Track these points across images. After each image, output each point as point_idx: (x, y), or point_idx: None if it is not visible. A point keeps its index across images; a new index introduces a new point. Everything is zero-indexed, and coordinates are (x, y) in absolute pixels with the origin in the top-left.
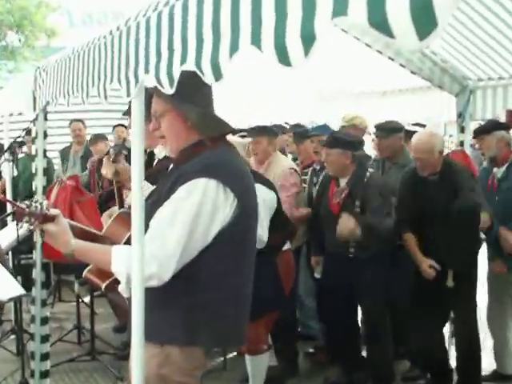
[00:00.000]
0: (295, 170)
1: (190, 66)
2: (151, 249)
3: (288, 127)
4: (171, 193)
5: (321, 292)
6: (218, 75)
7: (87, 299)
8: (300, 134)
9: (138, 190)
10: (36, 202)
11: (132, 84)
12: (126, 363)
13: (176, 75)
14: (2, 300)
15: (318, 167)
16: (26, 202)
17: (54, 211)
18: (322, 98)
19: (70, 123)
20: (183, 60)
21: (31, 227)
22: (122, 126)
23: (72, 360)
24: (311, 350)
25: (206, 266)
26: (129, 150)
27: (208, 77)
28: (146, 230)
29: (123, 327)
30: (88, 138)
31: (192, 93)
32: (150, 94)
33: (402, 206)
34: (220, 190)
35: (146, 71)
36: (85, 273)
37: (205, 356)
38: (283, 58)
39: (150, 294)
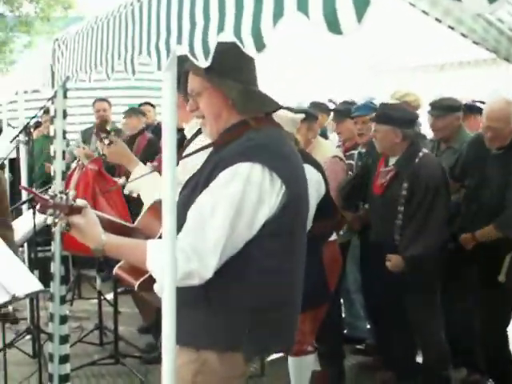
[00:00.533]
0: (340, 158)
1: (228, 35)
2: (190, 242)
3: (331, 105)
4: (210, 180)
5: (367, 287)
6: (260, 45)
7: (110, 296)
8: (341, 112)
9: (169, 175)
10: (61, 192)
11: (163, 56)
12: (153, 367)
13: (212, 46)
14: (18, 296)
15: (363, 150)
16: (50, 192)
17: (80, 202)
18: (373, 72)
19: (93, 102)
20: (220, 29)
21: (56, 220)
22: (149, 104)
23: (93, 363)
24: (359, 355)
25: (250, 262)
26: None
27: (249, 47)
28: (182, 223)
29: (149, 328)
30: (113, 118)
31: (232, 67)
32: (185, 72)
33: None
34: (266, 175)
35: (179, 42)
36: (115, 270)
37: (246, 363)
38: (333, 25)
39: (187, 293)
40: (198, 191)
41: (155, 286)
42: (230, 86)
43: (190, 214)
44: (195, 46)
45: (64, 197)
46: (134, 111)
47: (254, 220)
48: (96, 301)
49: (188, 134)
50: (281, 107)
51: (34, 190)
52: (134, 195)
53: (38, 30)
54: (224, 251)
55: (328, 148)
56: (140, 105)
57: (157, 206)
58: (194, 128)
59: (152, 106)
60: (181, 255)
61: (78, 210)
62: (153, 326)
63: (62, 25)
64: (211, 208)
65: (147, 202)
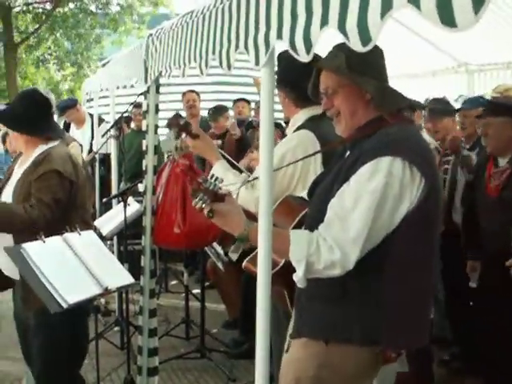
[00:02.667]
0: (436, 148)
1: (332, 29)
2: (332, 234)
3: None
4: (351, 174)
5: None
6: (366, 40)
7: (195, 291)
8: (439, 110)
9: (267, 168)
10: (212, 177)
11: (262, 51)
12: (238, 362)
13: (314, 40)
14: (110, 289)
15: (466, 146)
16: (203, 177)
17: (223, 191)
18: (469, 69)
19: (183, 94)
20: (324, 23)
21: (203, 205)
22: (244, 100)
23: (180, 357)
24: (446, 358)
25: (389, 255)
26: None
27: (354, 42)
28: (319, 216)
29: (234, 323)
30: (202, 113)
31: (370, 63)
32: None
33: None
34: (406, 169)
35: (279, 36)
36: (245, 263)
37: (378, 362)
38: (447, 17)
39: (322, 285)
40: (338, 184)
41: (294, 276)
42: (368, 83)
43: (331, 206)
44: (296, 41)
45: (215, 183)
46: (218, 113)
47: (395, 213)
48: (182, 295)
49: (292, 127)
50: (413, 103)
51: (122, 184)
52: None
53: (125, 27)
54: (365, 243)
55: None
56: (235, 101)
57: (288, 200)
58: (298, 122)
59: (247, 101)
60: (324, 246)
61: (222, 198)
62: (238, 321)
63: (150, 21)
64: (354, 201)
65: None
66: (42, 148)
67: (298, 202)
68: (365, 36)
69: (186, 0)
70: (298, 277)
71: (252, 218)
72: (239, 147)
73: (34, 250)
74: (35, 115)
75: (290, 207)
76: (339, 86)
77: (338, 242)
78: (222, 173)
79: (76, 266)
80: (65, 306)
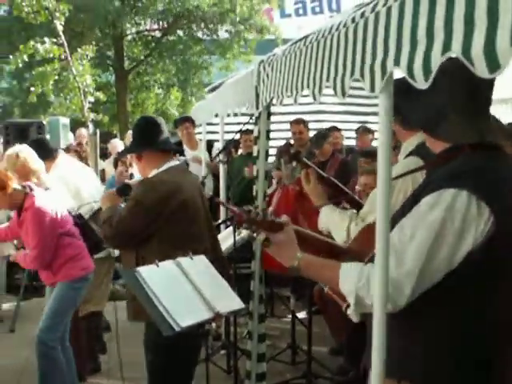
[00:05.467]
0: None
1: (455, 55)
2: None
3: None
4: (415, 203)
5: None
6: (494, 65)
7: (301, 315)
8: None
9: (384, 196)
10: (257, 207)
11: (377, 77)
12: None
13: (434, 66)
14: (221, 314)
15: None
16: (248, 207)
17: (282, 219)
18: None
19: (290, 123)
20: (446, 48)
21: (254, 235)
22: (336, 128)
23: (286, 382)
24: None
25: (451, 295)
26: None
27: (480, 68)
28: None
29: (341, 350)
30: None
31: (457, 86)
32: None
33: None
34: (472, 203)
35: (396, 63)
36: (326, 289)
37: None
38: None
39: (387, 318)
40: (404, 214)
41: (348, 310)
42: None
43: (391, 237)
44: (415, 68)
45: (261, 213)
46: (322, 138)
47: (456, 251)
48: (288, 319)
49: (402, 155)
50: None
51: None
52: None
53: (233, 53)
54: (420, 280)
55: None
56: (328, 129)
57: (371, 228)
58: (409, 148)
59: (338, 130)
60: (373, 280)
61: (280, 227)
62: (344, 348)
63: (257, 48)
64: (410, 234)
65: (337, 240)
66: (153, 172)
67: None
68: (492, 62)
69: (290, 26)
70: (351, 310)
71: (324, 246)
72: (340, 172)
73: (147, 273)
74: (143, 135)
75: (372, 234)
76: None
77: (390, 277)
78: (328, 214)
79: (188, 290)
80: (177, 329)
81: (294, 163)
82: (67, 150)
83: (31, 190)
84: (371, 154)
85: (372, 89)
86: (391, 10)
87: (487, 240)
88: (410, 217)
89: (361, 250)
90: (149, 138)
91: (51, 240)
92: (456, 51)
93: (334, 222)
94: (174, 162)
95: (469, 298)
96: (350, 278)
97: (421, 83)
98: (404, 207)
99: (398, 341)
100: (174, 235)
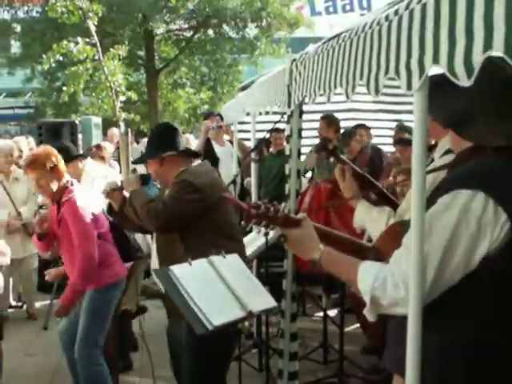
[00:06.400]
0: None
1: (497, 53)
2: (400, 268)
3: None
4: (431, 203)
5: None
6: None
7: (333, 314)
8: None
9: (419, 194)
10: (268, 202)
11: (415, 75)
12: None
13: (476, 64)
14: (254, 312)
15: None
16: (257, 202)
17: (299, 215)
18: None
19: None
20: (487, 46)
21: (268, 230)
22: (364, 126)
23: (318, 381)
24: None
25: (469, 299)
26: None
27: None
28: None
29: (373, 349)
30: None
31: (486, 87)
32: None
33: None
34: (489, 206)
35: (435, 61)
36: (351, 289)
37: None
38: None
39: (401, 323)
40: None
41: (365, 310)
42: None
43: (405, 238)
44: (455, 65)
45: (272, 208)
46: (349, 137)
47: (471, 254)
48: (320, 318)
49: (438, 153)
50: None
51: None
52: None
53: (262, 50)
54: (435, 282)
55: None
56: (354, 127)
57: (395, 227)
58: (444, 148)
59: (366, 127)
60: (390, 281)
61: (296, 223)
62: (378, 348)
63: (287, 45)
64: (427, 233)
65: (373, 237)
66: (179, 170)
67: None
68: None
69: (321, 24)
70: (367, 309)
71: (348, 244)
72: (369, 168)
73: (180, 271)
74: (165, 139)
75: (397, 234)
76: None
77: (404, 279)
78: (366, 211)
79: (221, 289)
80: (210, 328)
81: (332, 159)
82: (88, 151)
83: (72, 184)
84: (406, 142)
85: (408, 87)
86: (426, 6)
87: (503, 245)
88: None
89: (384, 248)
90: (171, 142)
91: (93, 233)
92: (498, 49)
93: (372, 219)
94: (197, 162)
95: (484, 309)
96: (367, 277)
97: (463, 81)
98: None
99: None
100: (221, 224)
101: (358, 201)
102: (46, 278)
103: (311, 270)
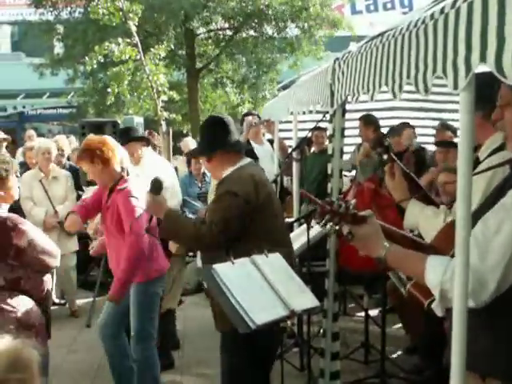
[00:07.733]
0: None
1: None
2: (470, 262)
3: None
4: (500, 197)
5: None
6: None
7: (375, 314)
8: None
9: (465, 193)
10: (339, 199)
11: (461, 74)
12: None
13: None
14: (296, 312)
15: None
16: (330, 199)
17: (366, 212)
18: None
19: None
20: None
21: (336, 227)
22: (408, 125)
23: (359, 381)
24: None
25: None
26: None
27: None
28: None
29: (415, 349)
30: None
31: None
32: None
33: None
34: None
35: (482, 59)
36: (408, 286)
37: None
38: None
39: (473, 317)
40: (487, 208)
41: (433, 304)
42: None
43: (474, 231)
44: (504, 64)
45: (343, 204)
46: (397, 133)
47: None
48: (361, 318)
49: (484, 153)
50: None
51: (303, 206)
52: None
53: (303, 50)
54: (506, 275)
55: None
56: (400, 125)
57: (452, 225)
58: (490, 147)
59: (412, 127)
60: None
61: (363, 220)
62: (420, 348)
63: (328, 44)
64: (495, 228)
65: (426, 237)
66: (228, 170)
67: None
68: None
69: (361, 23)
70: (435, 304)
71: (408, 242)
72: (417, 165)
73: (223, 270)
74: (214, 136)
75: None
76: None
77: (474, 270)
78: (419, 211)
79: (263, 288)
80: (253, 326)
81: (385, 156)
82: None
83: (127, 174)
84: (447, 144)
85: (455, 86)
86: (473, 4)
87: None
88: (494, 210)
89: (443, 246)
90: (219, 139)
91: (143, 225)
92: None
93: (427, 217)
94: (246, 161)
95: None
96: (436, 271)
97: (511, 79)
98: (486, 202)
99: (481, 338)
100: (264, 230)
101: (409, 201)
102: (91, 252)
103: (357, 269)
